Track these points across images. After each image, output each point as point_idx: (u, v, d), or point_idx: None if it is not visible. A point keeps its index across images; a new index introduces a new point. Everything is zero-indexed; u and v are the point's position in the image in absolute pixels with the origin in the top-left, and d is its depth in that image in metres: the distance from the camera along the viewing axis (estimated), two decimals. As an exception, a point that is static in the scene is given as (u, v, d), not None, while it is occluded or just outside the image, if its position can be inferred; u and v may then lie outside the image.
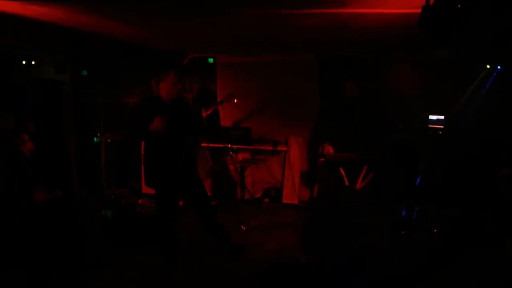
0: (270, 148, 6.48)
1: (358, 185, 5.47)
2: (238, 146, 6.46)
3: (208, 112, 5.61)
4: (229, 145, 6.25)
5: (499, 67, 4.98)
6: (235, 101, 5.51)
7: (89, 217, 5.73)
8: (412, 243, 4.94)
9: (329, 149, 5.40)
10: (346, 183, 5.37)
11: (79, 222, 5.02)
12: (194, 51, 6.79)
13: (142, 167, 4.26)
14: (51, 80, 7.01)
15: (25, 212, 4.09)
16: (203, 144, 6.61)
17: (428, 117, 5.67)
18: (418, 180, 5.45)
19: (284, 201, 6.72)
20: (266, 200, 6.80)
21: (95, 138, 6.76)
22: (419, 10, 2.66)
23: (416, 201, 5.33)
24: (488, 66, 5.08)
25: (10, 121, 4.95)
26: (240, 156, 6.62)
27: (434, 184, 5.49)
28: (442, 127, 5.38)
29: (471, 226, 3.95)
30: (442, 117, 5.50)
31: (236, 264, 4.45)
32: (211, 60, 6.88)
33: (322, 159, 5.36)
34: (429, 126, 5.42)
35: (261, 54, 6.65)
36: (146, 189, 7.01)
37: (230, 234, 4.71)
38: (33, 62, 6.68)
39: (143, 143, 4.28)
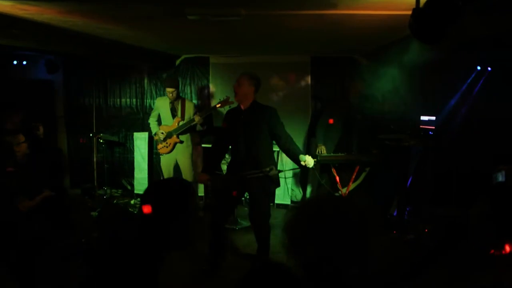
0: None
1: (350, 186, 5.50)
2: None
3: (203, 116, 5.65)
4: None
5: (489, 68, 5.03)
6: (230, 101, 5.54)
7: (81, 217, 5.71)
8: (404, 243, 4.97)
9: (322, 150, 5.42)
10: (338, 183, 5.40)
11: (71, 222, 4.98)
12: (187, 51, 6.79)
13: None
14: (42, 80, 6.98)
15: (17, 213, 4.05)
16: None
17: (419, 117, 5.71)
18: (409, 181, 5.49)
19: (277, 201, 6.73)
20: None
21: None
22: (409, 12, 2.69)
23: (408, 201, 5.37)
24: (478, 68, 5.13)
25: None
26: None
27: (425, 184, 5.53)
28: (433, 127, 5.42)
29: (462, 225, 3.98)
30: (433, 118, 5.54)
31: (228, 265, 4.47)
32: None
33: (315, 160, 5.37)
34: (421, 126, 5.46)
35: (255, 55, 6.66)
36: (138, 190, 7.00)
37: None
38: (24, 62, 6.65)
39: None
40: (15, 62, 6.57)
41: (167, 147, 5.75)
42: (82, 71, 7.20)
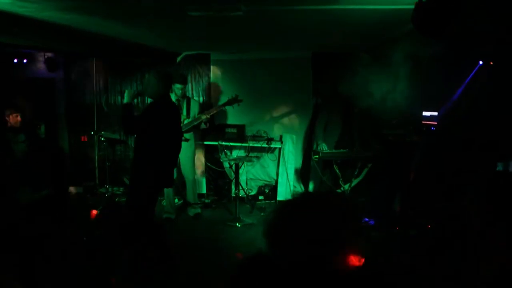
0: (264, 145, 6.48)
1: (352, 182, 5.49)
2: (232, 144, 6.46)
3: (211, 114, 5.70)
4: (223, 143, 6.28)
5: (491, 63, 5.00)
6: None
7: (83, 216, 5.70)
8: (406, 238, 4.96)
9: (323, 146, 5.41)
10: (341, 179, 5.40)
11: (72, 220, 4.99)
12: (188, 48, 6.77)
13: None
14: (43, 78, 6.96)
15: (8, 211, 4.03)
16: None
17: (421, 113, 5.69)
18: (412, 176, 5.47)
19: (279, 198, 6.73)
20: (261, 197, 6.81)
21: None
22: (412, 6, 2.67)
23: (410, 197, 5.35)
24: (480, 62, 5.10)
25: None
26: (235, 154, 6.61)
27: (428, 180, 5.51)
28: (435, 123, 5.41)
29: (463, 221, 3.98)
30: (435, 113, 5.52)
31: (229, 261, 4.46)
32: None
33: (317, 156, 5.37)
34: (423, 122, 5.44)
35: (256, 51, 6.64)
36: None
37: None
38: (25, 61, 6.64)
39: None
40: (15, 61, 6.55)
41: None
42: (83, 68, 7.18)
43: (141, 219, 4.11)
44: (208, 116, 5.63)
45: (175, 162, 4.31)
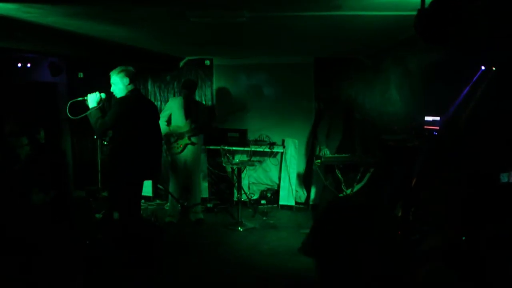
0: (267, 150, 6.49)
1: (354, 187, 5.49)
2: (234, 148, 6.47)
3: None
4: (226, 147, 6.30)
5: (494, 68, 5.01)
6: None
7: (86, 219, 5.71)
8: (408, 243, 4.95)
9: (326, 151, 5.41)
10: (343, 184, 5.40)
11: (76, 223, 5.00)
12: (190, 53, 6.79)
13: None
14: (46, 82, 6.99)
15: (21, 214, 4.06)
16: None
17: (424, 118, 5.69)
18: (414, 181, 5.47)
19: (281, 202, 6.73)
20: (263, 201, 6.81)
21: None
22: (414, 13, 2.68)
23: (412, 202, 5.35)
24: (483, 68, 5.11)
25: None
26: (237, 158, 6.63)
27: (430, 185, 5.51)
28: (437, 128, 5.41)
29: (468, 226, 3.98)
30: (437, 118, 5.53)
31: (233, 267, 4.46)
32: (207, 62, 6.91)
33: (319, 161, 5.37)
34: (425, 127, 5.45)
35: (258, 56, 6.66)
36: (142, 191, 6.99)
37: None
38: (28, 65, 6.66)
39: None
40: (19, 65, 6.58)
41: (178, 148, 5.76)
42: (86, 73, 7.20)
43: (125, 216, 4.13)
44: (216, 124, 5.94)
45: (155, 155, 4.32)
